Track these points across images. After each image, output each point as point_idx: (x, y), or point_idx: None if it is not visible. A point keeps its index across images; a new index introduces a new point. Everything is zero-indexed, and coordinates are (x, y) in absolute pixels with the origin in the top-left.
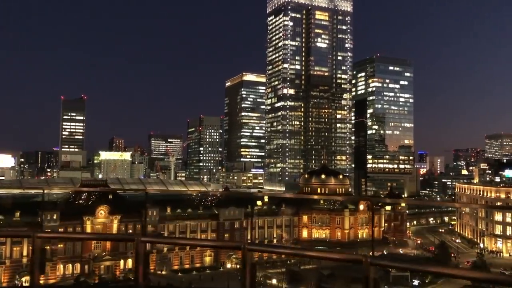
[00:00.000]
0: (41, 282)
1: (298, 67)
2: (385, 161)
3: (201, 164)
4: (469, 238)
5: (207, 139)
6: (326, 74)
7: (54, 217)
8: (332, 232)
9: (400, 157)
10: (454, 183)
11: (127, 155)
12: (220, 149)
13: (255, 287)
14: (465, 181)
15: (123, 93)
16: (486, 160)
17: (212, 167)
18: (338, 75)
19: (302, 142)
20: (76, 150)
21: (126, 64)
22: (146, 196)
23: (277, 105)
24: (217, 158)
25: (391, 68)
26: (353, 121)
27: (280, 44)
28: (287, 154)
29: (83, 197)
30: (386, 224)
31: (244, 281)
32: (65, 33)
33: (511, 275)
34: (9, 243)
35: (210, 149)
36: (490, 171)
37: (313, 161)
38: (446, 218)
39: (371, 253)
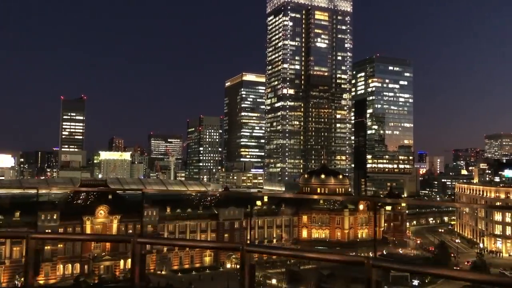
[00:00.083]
0: (41, 282)
1: (297, 67)
2: (384, 161)
3: (201, 164)
4: (468, 238)
5: (207, 139)
6: (326, 74)
7: (54, 217)
8: (332, 232)
9: (400, 157)
10: (454, 183)
11: (127, 155)
12: (220, 149)
13: None
14: (464, 181)
15: (123, 93)
16: (485, 160)
17: (212, 167)
18: (338, 75)
19: (301, 142)
20: (76, 150)
21: (126, 64)
22: (143, 196)
23: (276, 105)
24: (217, 158)
25: (390, 68)
26: (352, 121)
27: (280, 44)
28: (286, 154)
29: (82, 197)
30: (385, 224)
31: (243, 282)
32: (65, 33)
33: (510, 277)
34: (9, 243)
35: (210, 149)
36: (489, 171)
37: (312, 161)
38: (445, 218)
39: (371, 254)
